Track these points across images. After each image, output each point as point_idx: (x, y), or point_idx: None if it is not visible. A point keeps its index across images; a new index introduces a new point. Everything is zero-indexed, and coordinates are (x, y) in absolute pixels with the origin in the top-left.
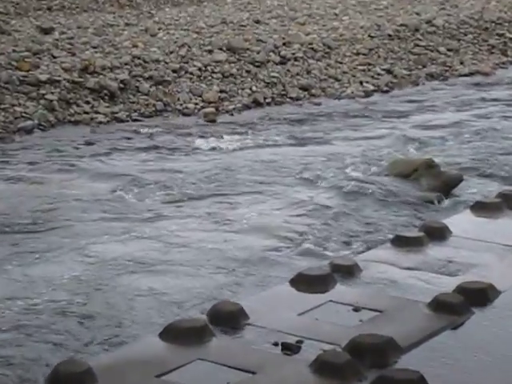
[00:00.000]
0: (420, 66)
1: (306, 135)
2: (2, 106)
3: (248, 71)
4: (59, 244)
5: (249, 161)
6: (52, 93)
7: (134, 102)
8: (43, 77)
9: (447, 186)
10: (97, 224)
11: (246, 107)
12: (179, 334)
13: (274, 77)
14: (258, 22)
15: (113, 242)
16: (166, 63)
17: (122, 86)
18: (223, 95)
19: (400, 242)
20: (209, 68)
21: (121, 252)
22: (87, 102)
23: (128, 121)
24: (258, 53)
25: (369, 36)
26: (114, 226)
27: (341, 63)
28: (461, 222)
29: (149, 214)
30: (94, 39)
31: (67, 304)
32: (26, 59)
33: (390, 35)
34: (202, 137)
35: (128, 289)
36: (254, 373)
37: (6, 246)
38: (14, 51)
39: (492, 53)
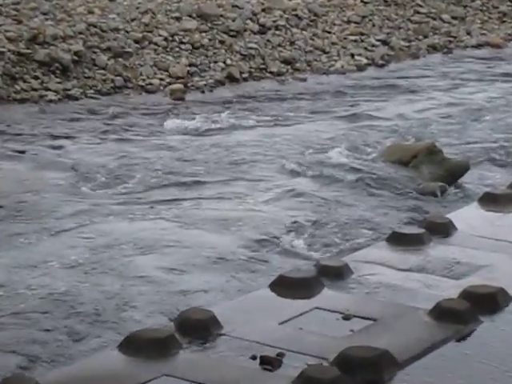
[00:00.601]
0: (420, 37)
1: (290, 116)
2: None
3: (222, 42)
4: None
5: (222, 146)
6: None
7: (89, 78)
8: None
9: (452, 174)
10: (51, 217)
11: (219, 83)
12: (141, 346)
13: (251, 48)
14: None
15: (73, 239)
16: (127, 32)
17: (75, 58)
18: (193, 69)
19: (397, 239)
20: (176, 38)
21: (82, 250)
22: (36, 77)
23: (82, 99)
24: (234, 20)
25: (361, 1)
26: (70, 221)
27: (329, 33)
28: (467, 217)
29: (109, 207)
30: (43, 4)
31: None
32: None
33: (385, 1)
34: (167, 117)
35: (90, 292)
36: None
37: None
38: None
39: (503, 21)
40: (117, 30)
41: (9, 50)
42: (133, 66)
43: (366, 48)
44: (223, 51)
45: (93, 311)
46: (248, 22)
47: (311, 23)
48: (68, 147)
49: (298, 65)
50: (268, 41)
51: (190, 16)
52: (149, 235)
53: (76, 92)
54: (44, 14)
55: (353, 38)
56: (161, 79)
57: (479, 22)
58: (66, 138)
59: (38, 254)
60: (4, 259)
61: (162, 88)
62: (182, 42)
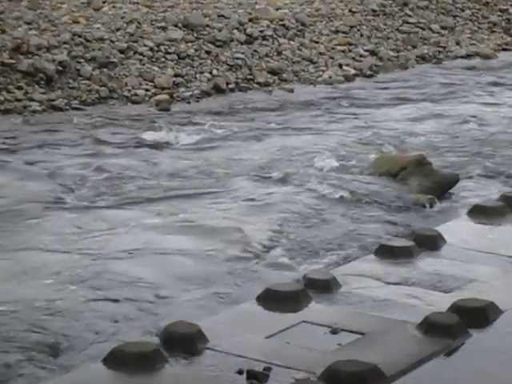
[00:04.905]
0: (409, 47)
1: (276, 127)
2: None
3: (208, 52)
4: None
5: (208, 157)
6: None
7: (73, 88)
8: None
9: (441, 186)
10: (32, 231)
11: (206, 94)
12: (126, 360)
13: (238, 58)
14: None
15: (55, 250)
16: (112, 42)
17: (60, 68)
18: (179, 80)
19: (385, 252)
20: (162, 48)
21: (63, 262)
22: (19, 88)
23: (67, 109)
24: (220, 30)
25: (349, 11)
26: (52, 232)
27: (317, 43)
28: (457, 230)
29: (91, 217)
30: (27, 14)
31: None
32: None
33: (374, 10)
34: (153, 129)
35: (73, 304)
36: None
37: None
38: None
39: (493, 31)
40: (102, 39)
41: None
42: (118, 76)
43: (354, 58)
44: (209, 61)
45: (76, 324)
46: (234, 31)
47: (299, 33)
48: (51, 158)
49: (285, 75)
50: (255, 51)
51: (176, 26)
52: (131, 247)
53: (60, 102)
54: (28, 23)
55: (341, 48)
56: (146, 90)
57: (469, 32)
58: (50, 148)
59: (21, 265)
60: None
61: (147, 99)
62: (167, 52)
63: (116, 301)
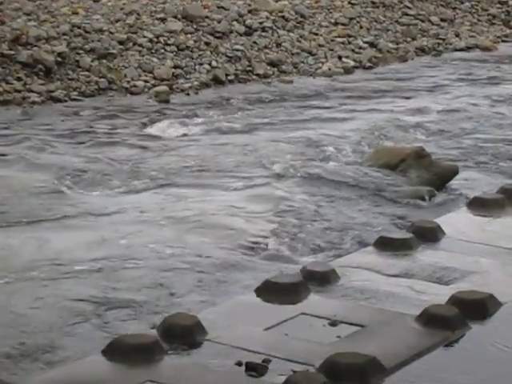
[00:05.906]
0: (409, 39)
1: (274, 119)
2: None
3: (207, 43)
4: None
5: (206, 148)
6: None
7: (73, 79)
8: None
9: (440, 179)
10: (35, 221)
11: (205, 85)
12: (125, 352)
13: (237, 50)
14: None
15: (49, 243)
16: (111, 33)
17: (59, 59)
18: (178, 71)
19: (385, 244)
20: (161, 39)
21: (60, 252)
22: (19, 79)
23: (66, 101)
24: (219, 22)
25: (349, 3)
26: (51, 223)
27: (316, 35)
28: (456, 222)
29: (92, 209)
30: (26, 5)
31: None
32: None
33: (373, 2)
34: (152, 120)
35: (59, 300)
36: None
37: None
38: None
39: (493, 24)
40: (101, 31)
41: None
42: (117, 67)
43: (353, 50)
44: (209, 53)
45: (74, 314)
46: (234, 23)
47: (298, 25)
48: (50, 149)
49: (284, 67)
50: (254, 43)
51: (175, 17)
52: (130, 239)
53: (59, 94)
54: (27, 14)
55: (340, 40)
56: (145, 81)
57: (468, 24)
58: (49, 140)
59: (24, 257)
60: None
61: (146, 90)
62: (166, 44)
63: (115, 290)
